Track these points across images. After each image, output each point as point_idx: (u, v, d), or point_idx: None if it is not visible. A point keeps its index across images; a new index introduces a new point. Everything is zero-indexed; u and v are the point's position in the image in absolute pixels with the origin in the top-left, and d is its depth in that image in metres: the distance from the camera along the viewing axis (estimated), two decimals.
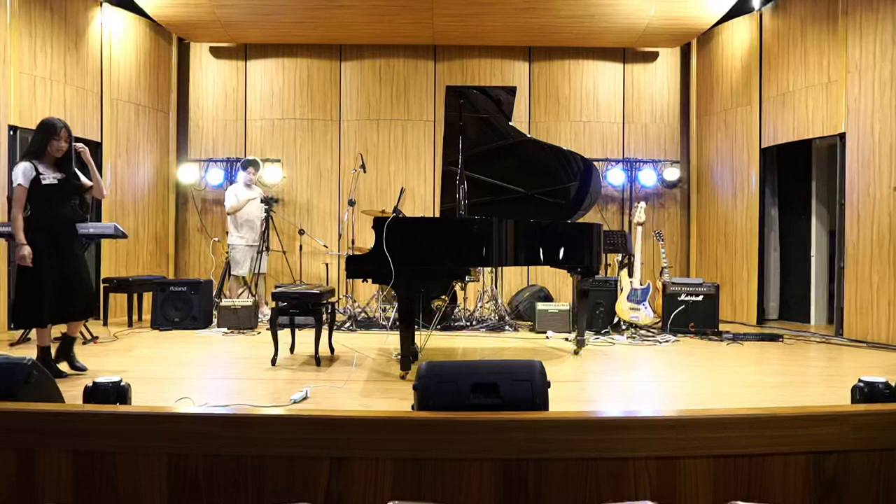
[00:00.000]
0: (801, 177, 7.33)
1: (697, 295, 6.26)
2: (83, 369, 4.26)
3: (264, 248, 7.14)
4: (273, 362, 4.62)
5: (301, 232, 7.56)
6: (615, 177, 8.00)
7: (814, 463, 1.81)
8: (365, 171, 7.31)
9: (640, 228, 6.24)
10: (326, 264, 7.73)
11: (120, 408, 2.13)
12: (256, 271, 7.06)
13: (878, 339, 5.75)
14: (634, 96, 8.33)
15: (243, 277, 7.11)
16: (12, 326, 4.16)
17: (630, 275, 6.17)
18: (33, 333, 5.51)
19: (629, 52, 8.29)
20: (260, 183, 8.00)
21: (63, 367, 4.23)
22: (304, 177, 8.23)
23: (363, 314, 6.97)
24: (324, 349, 4.81)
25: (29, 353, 4.58)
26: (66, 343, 4.28)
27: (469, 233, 4.25)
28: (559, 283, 8.00)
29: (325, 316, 4.78)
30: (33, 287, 3.97)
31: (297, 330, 5.21)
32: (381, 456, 1.77)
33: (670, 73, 8.35)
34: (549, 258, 4.74)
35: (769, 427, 1.83)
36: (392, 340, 5.66)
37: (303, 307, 4.66)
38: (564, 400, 3.64)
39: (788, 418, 1.85)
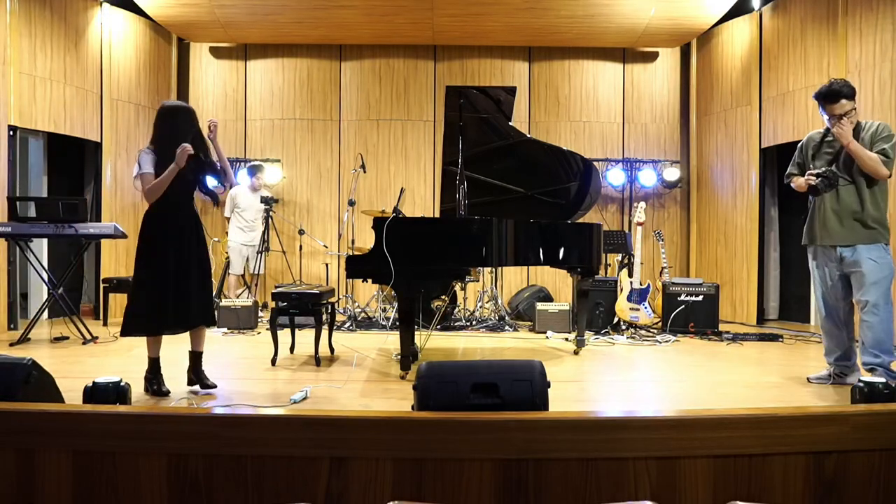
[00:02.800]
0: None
1: (697, 295, 6.26)
2: (213, 386, 3.78)
3: (264, 249, 7.15)
4: (273, 362, 4.62)
5: (301, 232, 7.57)
6: (615, 177, 8.00)
7: (814, 463, 1.81)
8: (365, 171, 7.31)
9: (640, 228, 6.23)
10: (326, 264, 7.73)
11: (120, 408, 2.13)
12: (256, 272, 7.08)
13: None
14: (634, 96, 8.33)
15: (241, 277, 7.14)
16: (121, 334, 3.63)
17: (630, 275, 6.17)
18: (34, 333, 5.54)
19: (629, 52, 8.29)
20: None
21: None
22: (304, 177, 8.23)
23: (363, 314, 6.97)
24: (324, 349, 4.81)
25: (29, 353, 4.59)
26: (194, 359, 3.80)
27: (469, 233, 4.24)
28: (559, 283, 8.00)
29: (324, 316, 4.78)
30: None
31: (296, 330, 5.20)
32: (381, 456, 1.77)
33: (670, 73, 8.35)
34: (549, 258, 4.74)
35: (769, 427, 1.83)
36: (392, 340, 5.66)
37: (303, 307, 4.66)
38: (564, 400, 3.64)
39: (788, 418, 1.85)
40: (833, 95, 3.76)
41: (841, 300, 3.94)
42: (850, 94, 3.76)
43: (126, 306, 3.61)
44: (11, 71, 6.07)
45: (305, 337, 5.21)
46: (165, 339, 3.69)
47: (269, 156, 8.10)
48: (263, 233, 7.18)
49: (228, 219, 7.21)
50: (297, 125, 8.25)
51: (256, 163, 7.49)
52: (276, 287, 5.08)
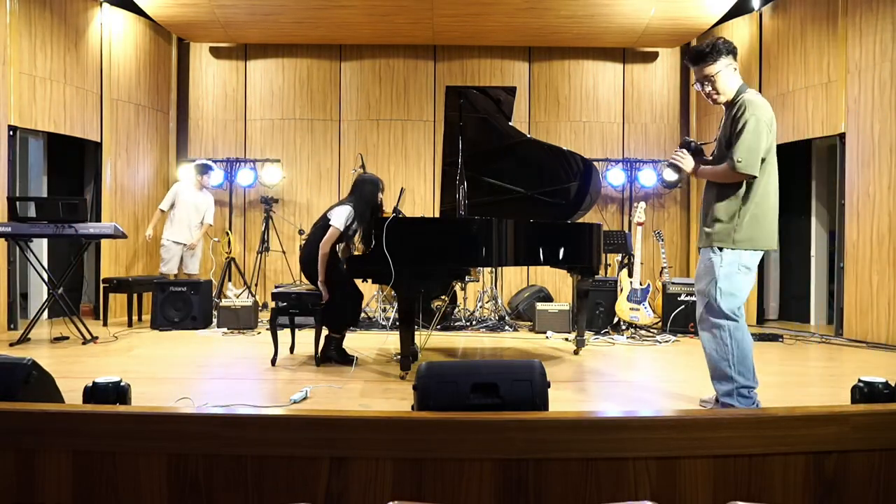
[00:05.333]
0: (801, 177, 7.32)
1: None
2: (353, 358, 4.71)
3: (264, 249, 7.13)
4: (273, 362, 4.62)
5: (301, 232, 7.55)
6: (615, 177, 8.00)
7: (814, 463, 1.81)
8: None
9: (640, 228, 6.23)
10: None
11: (120, 408, 2.13)
12: (189, 271, 6.89)
13: (878, 339, 5.75)
14: (634, 96, 8.33)
15: (175, 275, 6.87)
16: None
17: (630, 275, 6.17)
18: (34, 333, 5.54)
19: (629, 52, 8.29)
20: (260, 183, 8.02)
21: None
22: (303, 177, 8.23)
23: (363, 314, 6.96)
24: None
25: (29, 353, 4.59)
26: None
27: (469, 233, 4.24)
28: (559, 283, 8.00)
29: None
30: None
31: (296, 330, 5.20)
32: (381, 456, 1.77)
33: (670, 73, 8.35)
34: (549, 258, 4.74)
35: (769, 427, 1.83)
36: (392, 340, 5.66)
37: (303, 307, 4.66)
38: (564, 400, 3.64)
39: (788, 418, 1.85)
40: (695, 56, 3.35)
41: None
42: (709, 55, 3.31)
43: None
44: (11, 71, 6.07)
45: (305, 337, 5.21)
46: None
47: (269, 156, 8.10)
48: (264, 233, 7.16)
49: (164, 211, 6.88)
50: (297, 125, 8.25)
51: (205, 162, 7.15)
52: (276, 287, 5.08)
